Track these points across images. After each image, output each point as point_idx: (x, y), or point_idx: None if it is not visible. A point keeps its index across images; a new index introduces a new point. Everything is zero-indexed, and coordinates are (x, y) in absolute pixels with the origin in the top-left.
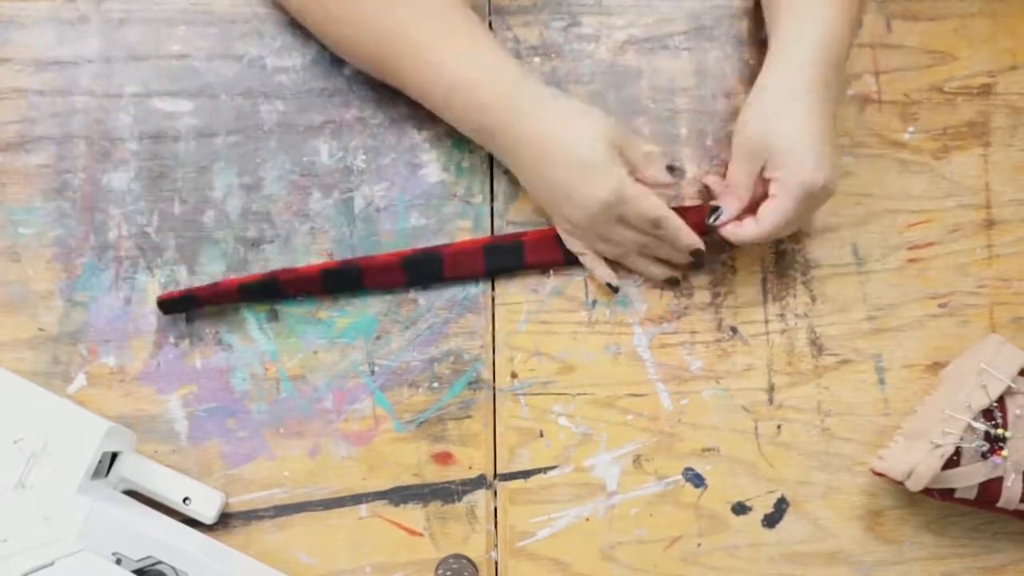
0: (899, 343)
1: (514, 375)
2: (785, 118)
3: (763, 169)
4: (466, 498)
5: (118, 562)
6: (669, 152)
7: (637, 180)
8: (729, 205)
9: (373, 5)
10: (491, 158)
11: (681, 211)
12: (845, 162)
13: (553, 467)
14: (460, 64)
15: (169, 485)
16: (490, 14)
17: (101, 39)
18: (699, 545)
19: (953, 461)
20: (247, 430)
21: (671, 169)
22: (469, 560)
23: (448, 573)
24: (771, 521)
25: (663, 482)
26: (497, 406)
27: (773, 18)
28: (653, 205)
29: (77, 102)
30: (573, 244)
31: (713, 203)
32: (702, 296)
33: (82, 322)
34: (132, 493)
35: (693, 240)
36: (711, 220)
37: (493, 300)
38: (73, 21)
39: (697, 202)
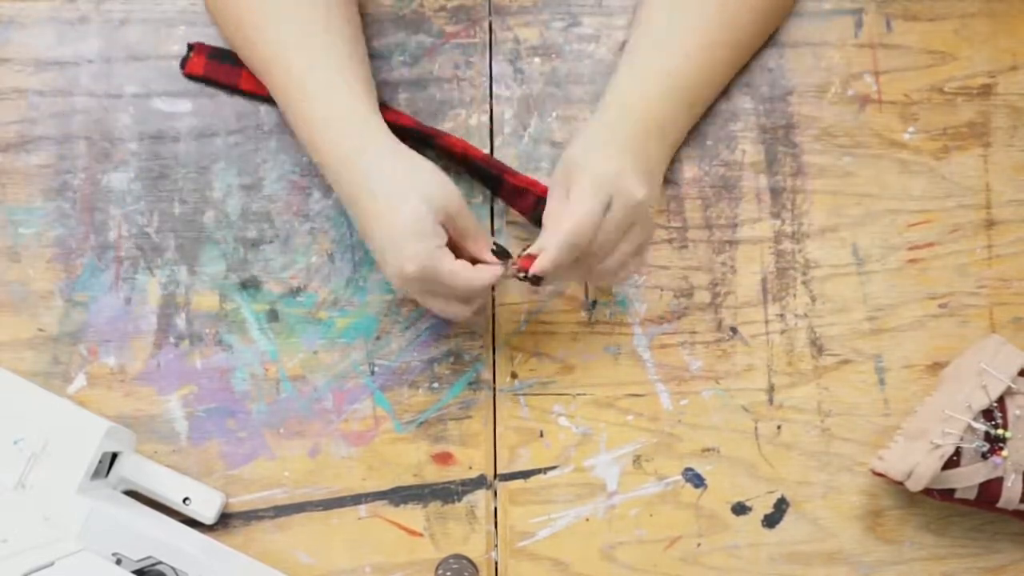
0: (899, 343)
1: (514, 375)
2: (580, 150)
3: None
4: (466, 498)
5: (118, 562)
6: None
7: (460, 255)
8: (550, 247)
9: (252, 25)
10: None
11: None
12: (845, 162)
13: (553, 467)
14: (310, 100)
15: (169, 485)
16: (490, 14)
17: (101, 39)
18: (699, 545)
19: (953, 461)
20: (247, 430)
21: (496, 252)
22: (469, 560)
23: (448, 573)
24: (771, 521)
25: (663, 482)
26: (497, 406)
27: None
28: (466, 279)
29: (77, 102)
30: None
31: (531, 250)
32: (702, 296)
33: (82, 322)
34: (132, 493)
35: (494, 274)
36: (524, 274)
37: (493, 300)
38: (73, 21)
39: (696, 202)
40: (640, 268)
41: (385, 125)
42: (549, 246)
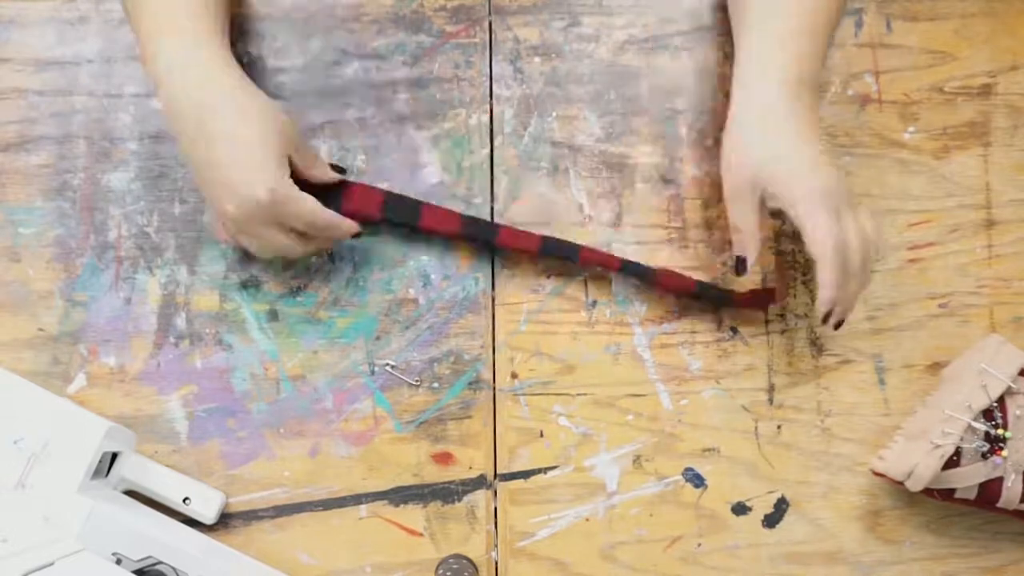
0: (899, 343)
1: (514, 375)
2: (766, 144)
3: (763, 203)
4: (466, 498)
5: (118, 562)
6: (668, 153)
7: (303, 180)
8: (748, 251)
9: None
10: (491, 159)
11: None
12: (845, 162)
13: (553, 467)
14: (160, 15)
15: (169, 485)
16: (490, 14)
17: (101, 39)
18: (699, 545)
19: (953, 461)
20: (247, 430)
21: (336, 168)
22: (469, 560)
23: (448, 573)
24: (771, 521)
25: (663, 482)
26: (497, 406)
27: (739, 34)
28: (310, 209)
29: (77, 102)
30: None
31: (735, 255)
32: None
33: (82, 322)
34: (132, 493)
35: (350, 225)
36: (738, 273)
37: (493, 300)
38: (73, 21)
39: (696, 202)
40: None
41: (235, 61)
42: (825, 282)
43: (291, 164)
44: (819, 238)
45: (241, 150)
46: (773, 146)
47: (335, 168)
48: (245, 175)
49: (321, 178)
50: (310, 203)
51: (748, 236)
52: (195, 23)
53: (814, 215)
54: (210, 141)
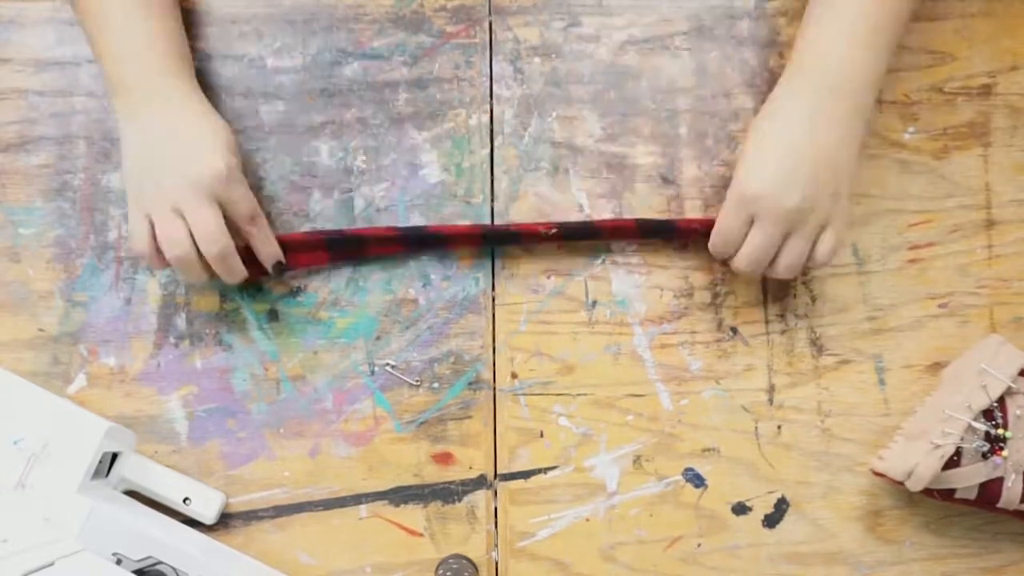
0: (899, 343)
1: (514, 375)
2: (751, 135)
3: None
4: (466, 498)
5: (118, 562)
6: (668, 153)
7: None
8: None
9: None
10: (491, 159)
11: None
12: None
13: (553, 467)
14: (118, 36)
15: (169, 485)
16: (490, 14)
17: None
18: (699, 545)
19: (953, 461)
20: (247, 430)
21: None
22: (469, 560)
23: (448, 573)
24: (771, 521)
25: (663, 482)
26: (497, 406)
27: (798, 41)
28: (252, 200)
29: (77, 102)
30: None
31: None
32: (702, 296)
33: (82, 322)
34: (132, 493)
35: (275, 251)
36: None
37: (493, 300)
38: (73, 21)
39: (696, 202)
40: (824, 261)
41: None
42: (710, 245)
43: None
44: (714, 230)
45: (200, 134)
46: (753, 136)
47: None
48: (207, 153)
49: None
50: (253, 199)
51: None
52: (162, 59)
53: (723, 210)
54: (172, 135)
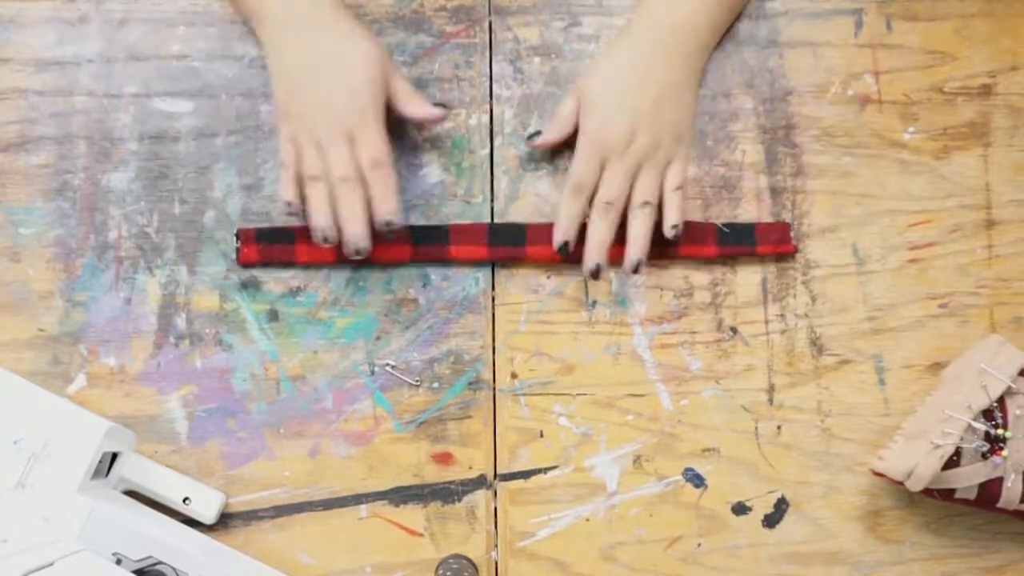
0: (899, 343)
1: (514, 375)
2: (597, 68)
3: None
4: (466, 498)
5: (118, 562)
6: None
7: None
8: (548, 133)
9: None
10: (491, 159)
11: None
12: (845, 162)
13: (553, 467)
14: None
15: (169, 485)
16: (490, 14)
17: (101, 39)
18: (699, 545)
19: (953, 461)
20: (247, 430)
21: (440, 104)
22: (469, 560)
23: (448, 573)
24: (771, 521)
25: (663, 482)
26: (497, 406)
27: None
28: (386, 146)
29: (77, 102)
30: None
31: (538, 132)
32: (702, 296)
33: (82, 322)
34: (132, 493)
35: (390, 207)
36: (527, 136)
37: (493, 300)
38: (73, 21)
39: (697, 202)
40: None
41: (343, 10)
42: (559, 217)
43: (389, 100)
44: (570, 171)
45: (345, 73)
46: (599, 71)
47: (439, 105)
48: (342, 90)
49: (417, 112)
50: (382, 144)
51: (555, 121)
52: None
53: (577, 146)
54: (312, 68)
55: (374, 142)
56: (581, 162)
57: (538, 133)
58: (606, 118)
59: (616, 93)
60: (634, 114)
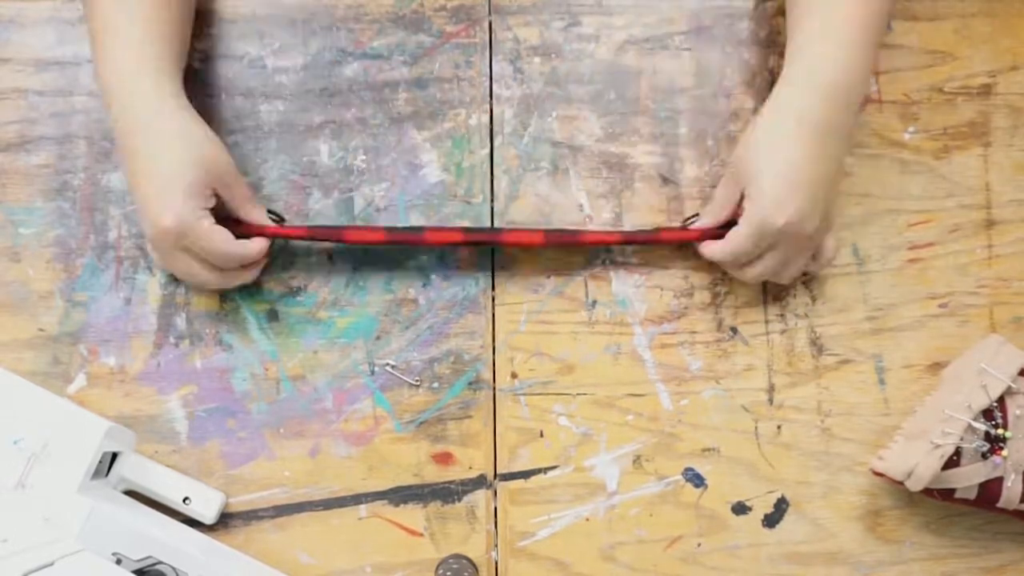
0: (899, 343)
1: (514, 375)
2: (765, 153)
3: (743, 195)
4: (466, 498)
5: (118, 562)
6: (669, 152)
7: (237, 220)
8: (706, 217)
9: None
10: (491, 159)
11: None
12: (845, 162)
13: (553, 467)
14: (108, 52)
15: (169, 485)
16: (490, 14)
17: None
18: (699, 545)
19: (953, 461)
20: (247, 430)
21: (273, 215)
22: (469, 560)
23: (448, 573)
24: (771, 521)
25: (663, 482)
26: (497, 406)
27: (790, 46)
28: (223, 239)
29: (77, 102)
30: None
31: (696, 215)
32: (702, 296)
33: (82, 322)
34: (132, 493)
35: (259, 249)
36: (687, 222)
37: (493, 300)
38: (73, 21)
39: (697, 201)
40: (786, 278)
41: (179, 88)
42: (713, 250)
43: (219, 198)
44: (729, 245)
45: (153, 176)
46: (765, 160)
47: (272, 215)
48: (155, 200)
49: (249, 219)
50: (218, 236)
51: (716, 207)
52: (148, 49)
53: (743, 233)
54: (133, 164)
55: (203, 244)
56: (747, 244)
57: (695, 216)
58: (778, 206)
59: (787, 181)
60: (806, 203)
